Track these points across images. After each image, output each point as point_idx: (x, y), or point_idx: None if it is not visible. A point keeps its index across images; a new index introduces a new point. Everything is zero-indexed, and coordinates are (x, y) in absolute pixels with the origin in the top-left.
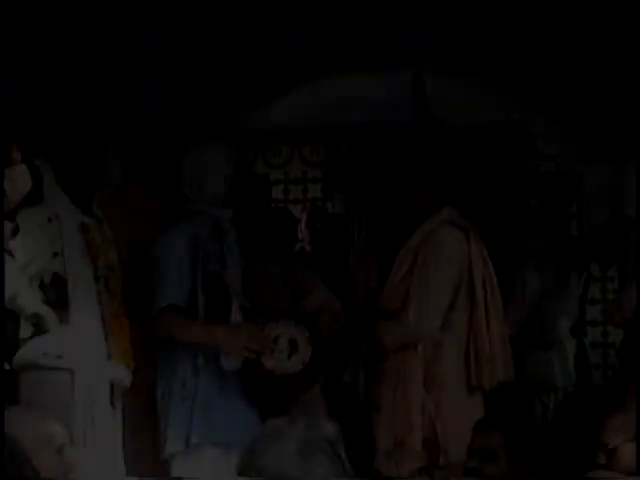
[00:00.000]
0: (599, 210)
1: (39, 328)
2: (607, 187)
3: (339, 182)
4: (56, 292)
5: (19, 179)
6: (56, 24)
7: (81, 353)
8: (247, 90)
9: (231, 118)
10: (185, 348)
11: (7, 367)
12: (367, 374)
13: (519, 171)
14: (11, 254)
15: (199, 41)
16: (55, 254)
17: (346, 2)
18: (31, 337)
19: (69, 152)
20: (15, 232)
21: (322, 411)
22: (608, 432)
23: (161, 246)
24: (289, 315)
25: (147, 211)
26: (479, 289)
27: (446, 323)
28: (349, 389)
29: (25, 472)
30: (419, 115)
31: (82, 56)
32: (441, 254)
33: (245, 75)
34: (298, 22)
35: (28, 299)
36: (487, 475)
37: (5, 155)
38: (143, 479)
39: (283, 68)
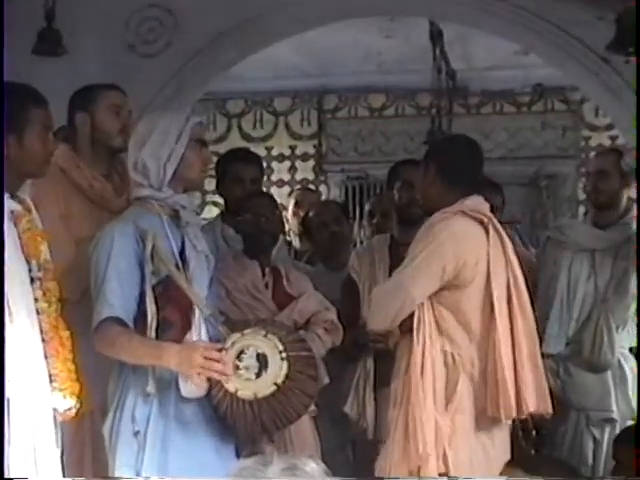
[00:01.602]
0: None
1: None
2: None
3: (336, 160)
4: None
5: None
6: None
7: (19, 375)
8: (214, 44)
9: (194, 79)
10: (136, 370)
11: None
12: (376, 402)
13: (564, 146)
14: None
15: None
16: None
17: None
18: None
19: None
20: None
21: (313, 450)
22: None
23: (99, 243)
24: (259, 324)
25: (92, 199)
26: (499, 295)
27: (452, 337)
28: (352, 423)
29: None
30: (437, 74)
31: None
32: (434, 242)
33: (212, 26)
34: None
35: None
36: None
37: None
38: None
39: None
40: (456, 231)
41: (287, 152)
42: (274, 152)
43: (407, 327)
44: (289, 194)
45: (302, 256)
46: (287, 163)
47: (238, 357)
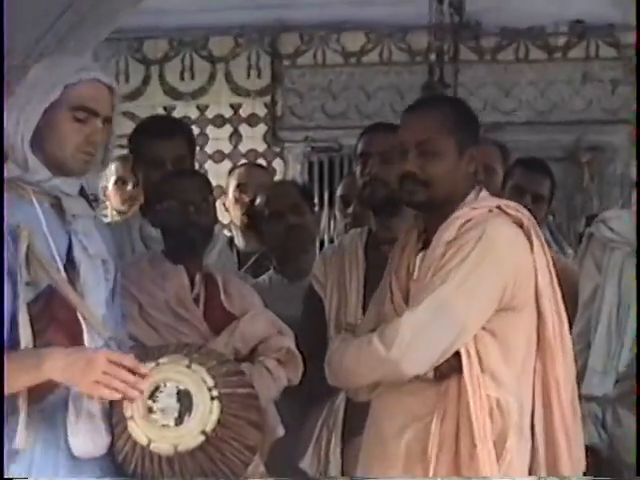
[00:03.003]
0: None
1: None
2: None
3: (296, 124)
4: None
5: None
6: None
7: None
8: None
9: (97, 11)
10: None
11: None
12: (343, 457)
13: (614, 106)
14: None
15: None
16: None
17: None
18: None
19: None
20: None
21: None
22: None
23: None
24: (181, 350)
25: None
26: (549, 322)
27: (497, 376)
28: None
29: None
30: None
31: None
32: (490, 254)
33: None
34: None
35: None
36: None
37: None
38: None
39: None
40: (511, 237)
41: (228, 113)
42: (210, 113)
43: (447, 368)
44: (230, 172)
45: (247, 259)
46: (228, 128)
47: (152, 396)
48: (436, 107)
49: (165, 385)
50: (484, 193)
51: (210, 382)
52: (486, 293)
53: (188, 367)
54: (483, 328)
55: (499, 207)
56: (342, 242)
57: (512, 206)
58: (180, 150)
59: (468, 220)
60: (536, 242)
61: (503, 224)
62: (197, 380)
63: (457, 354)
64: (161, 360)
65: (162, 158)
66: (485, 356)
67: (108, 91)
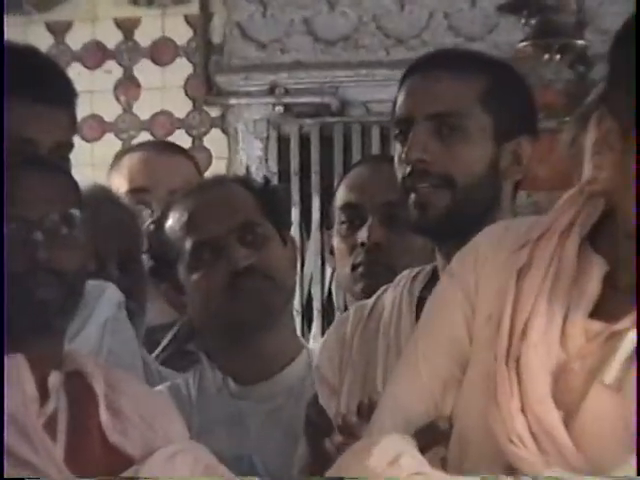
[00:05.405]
0: None
1: None
2: None
3: (251, 60)
4: None
5: None
6: None
7: None
8: None
9: None
10: None
11: None
12: None
13: None
14: None
15: None
16: None
17: None
18: None
19: None
20: None
21: None
22: None
23: None
24: None
25: None
26: None
27: None
28: None
29: None
30: None
31: None
32: None
33: None
34: None
35: None
36: None
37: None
38: None
39: None
40: None
41: (112, 39)
42: (74, 39)
43: None
44: (115, 160)
45: (154, 340)
46: (112, 70)
47: None
48: None
49: None
50: None
51: None
52: None
53: None
54: None
55: None
56: (378, 302)
57: None
58: (65, 129)
59: None
60: None
61: None
62: None
63: None
64: None
65: (33, 140)
66: None
67: None
